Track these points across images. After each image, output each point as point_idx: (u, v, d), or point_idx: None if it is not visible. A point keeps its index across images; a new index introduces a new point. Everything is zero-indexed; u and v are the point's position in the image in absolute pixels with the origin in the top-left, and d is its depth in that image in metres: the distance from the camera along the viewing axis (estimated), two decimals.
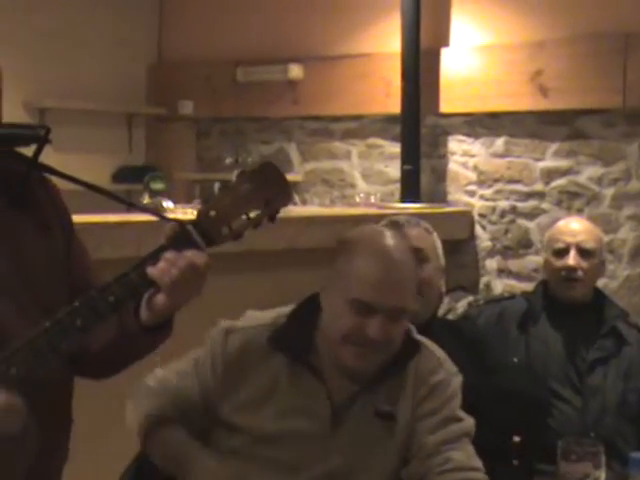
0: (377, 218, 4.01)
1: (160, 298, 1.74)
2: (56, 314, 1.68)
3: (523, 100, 5.37)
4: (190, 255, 1.71)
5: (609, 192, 5.15)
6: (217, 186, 1.62)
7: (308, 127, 6.31)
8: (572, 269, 3.73)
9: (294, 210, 4.64)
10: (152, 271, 1.71)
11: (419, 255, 2.87)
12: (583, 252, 3.76)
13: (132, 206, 2.05)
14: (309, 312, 2.33)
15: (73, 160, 5.54)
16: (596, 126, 5.19)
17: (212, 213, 1.74)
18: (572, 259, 3.74)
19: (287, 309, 2.39)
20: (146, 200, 3.94)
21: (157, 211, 1.95)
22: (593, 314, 3.79)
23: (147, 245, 3.26)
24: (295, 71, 6.21)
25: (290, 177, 6.14)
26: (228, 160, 6.71)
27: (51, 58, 6.39)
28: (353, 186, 6.10)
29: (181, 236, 1.73)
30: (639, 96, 4.99)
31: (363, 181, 6.08)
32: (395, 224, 3.05)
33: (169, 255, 1.71)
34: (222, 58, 6.63)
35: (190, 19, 6.92)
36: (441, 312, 3.84)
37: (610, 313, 3.79)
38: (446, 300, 4.19)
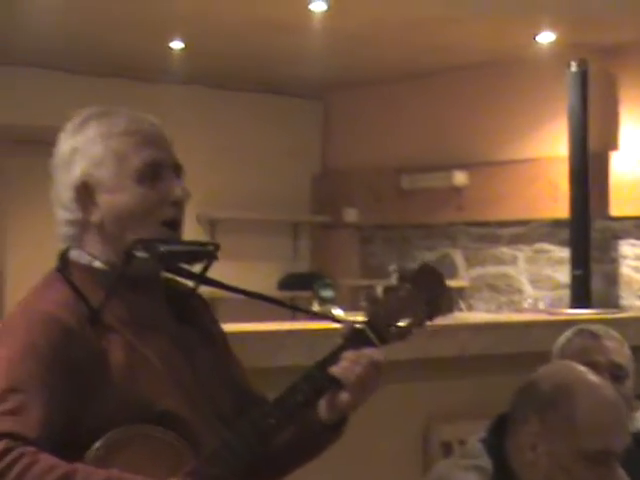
0: (546, 325, 3.91)
1: (344, 396, 1.77)
2: (248, 415, 1.74)
3: None
4: (370, 353, 1.76)
5: None
6: (379, 288, 1.74)
7: (473, 233, 6.28)
8: None
9: (461, 317, 4.58)
10: (336, 370, 1.75)
11: (620, 372, 2.73)
12: None
13: (306, 312, 2.12)
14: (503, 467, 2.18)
15: (241, 268, 5.66)
16: None
17: (381, 313, 1.81)
18: None
19: (481, 463, 2.19)
20: (315, 308, 3.96)
21: (329, 315, 2.08)
22: None
23: (319, 352, 3.30)
24: (460, 177, 6.22)
25: (455, 283, 6.09)
26: (392, 267, 6.71)
27: (221, 171, 6.62)
28: (520, 291, 6.00)
29: (357, 336, 1.79)
30: None
31: (530, 286, 5.98)
32: (592, 335, 2.86)
33: (350, 354, 1.76)
34: (386, 166, 6.71)
35: (353, 128, 7.06)
36: None
37: None
38: None
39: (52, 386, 1.61)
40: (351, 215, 6.94)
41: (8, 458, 1.50)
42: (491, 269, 6.17)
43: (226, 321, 2.11)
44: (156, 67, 6.38)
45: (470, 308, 6.06)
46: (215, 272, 1.88)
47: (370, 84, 6.80)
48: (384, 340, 1.79)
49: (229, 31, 5.51)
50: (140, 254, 1.73)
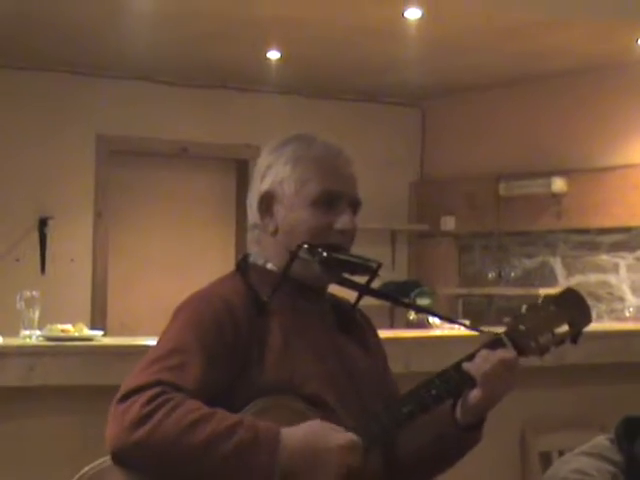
0: None
1: (475, 392, 1.90)
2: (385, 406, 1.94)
3: None
4: (500, 352, 1.89)
5: None
6: (524, 306, 1.88)
7: (573, 240, 6.19)
8: None
9: None
10: (467, 365, 1.90)
11: None
12: None
13: (466, 327, 2.25)
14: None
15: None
16: None
17: (522, 327, 1.92)
18: None
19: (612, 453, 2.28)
20: (412, 316, 3.96)
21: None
22: None
23: (415, 360, 3.29)
24: (559, 184, 6.14)
25: (554, 291, 6.00)
26: (491, 275, 6.66)
27: None
28: (622, 300, 5.89)
29: (494, 343, 1.92)
30: None
31: (632, 295, 5.86)
32: None
33: (483, 352, 1.90)
34: (483, 173, 6.65)
35: (451, 136, 7.02)
36: None
37: None
38: None
39: (211, 353, 1.83)
40: (449, 223, 6.90)
41: (158, 400, 1.73)
42: (591, 277, 6.07)
43: None
44: (253, 77, 6.46)
45: None
46: None
47: (467, 91, 6.76)
48: (521, 351, 1.91)
49: (325, 40, 5.55)
50: (303, 255, 1.94)
